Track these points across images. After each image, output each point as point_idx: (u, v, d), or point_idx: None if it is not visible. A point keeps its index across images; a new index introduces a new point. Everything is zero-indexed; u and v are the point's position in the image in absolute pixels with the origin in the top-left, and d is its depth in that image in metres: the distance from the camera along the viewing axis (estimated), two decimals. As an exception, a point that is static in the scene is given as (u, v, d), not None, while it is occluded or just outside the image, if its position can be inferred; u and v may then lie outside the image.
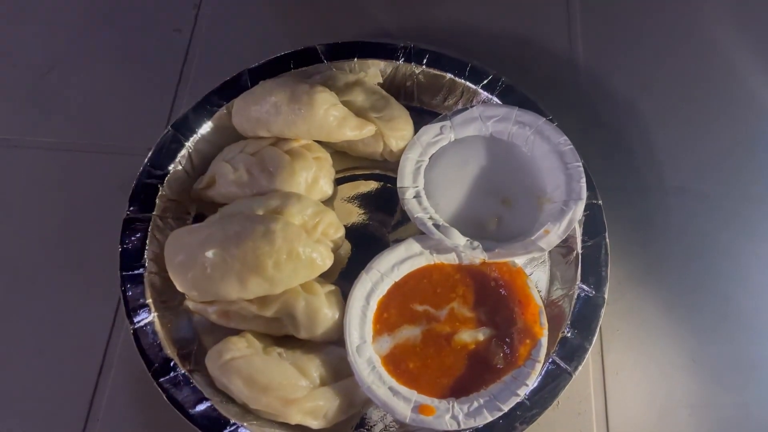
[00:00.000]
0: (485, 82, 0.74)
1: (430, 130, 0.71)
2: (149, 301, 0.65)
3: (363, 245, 0.71)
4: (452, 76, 0.74)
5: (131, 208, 0.68)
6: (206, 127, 0.73)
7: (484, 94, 0.74)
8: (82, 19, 0.90)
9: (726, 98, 0.83)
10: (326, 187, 0.70)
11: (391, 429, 0.63)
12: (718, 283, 0.72)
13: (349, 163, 0.76)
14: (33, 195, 0.78)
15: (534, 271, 0.70)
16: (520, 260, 0.67)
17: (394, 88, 0.77)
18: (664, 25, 0.88)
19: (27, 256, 0.74)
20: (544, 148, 0.69)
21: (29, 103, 0.84)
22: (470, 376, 0.61)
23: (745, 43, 0.86)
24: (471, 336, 0.63)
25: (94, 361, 0.68)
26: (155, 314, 0.64)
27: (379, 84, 0.76)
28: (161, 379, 0.61)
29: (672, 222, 0.75)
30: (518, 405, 0.59)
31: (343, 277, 0.69)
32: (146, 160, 0.70)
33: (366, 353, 0.61)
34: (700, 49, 0.86)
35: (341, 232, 0.68)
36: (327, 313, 0.63)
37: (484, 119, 0.71)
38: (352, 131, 0.69)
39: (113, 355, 0.69)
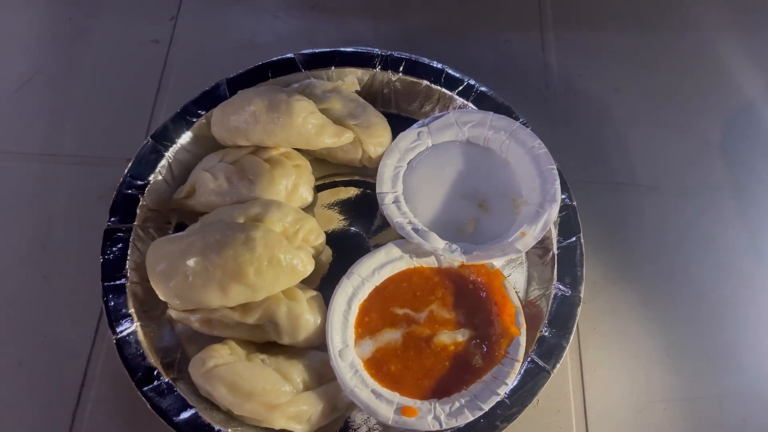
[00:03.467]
0: (460, 88, 0.75)
1: (408, 136, 0.72)
2: (131, 310, 0.65)
3: (344, 251, 0.72)
4: (428, 83, 0.76)
5: (112, 219, 0.68)
6: (186, 137, 0.74)
7: (460, 100, 0.75)
8: (59, 29, 0.90)
9: (696, 98, 0.85)
10: (306, 194, 0.71)
11: (375, 431, 0.64)
12: (691, 279, 0.74)
13: (329, 170, 0.76)
14: (12, 205, 0.77)
15: (512, 272, 0.71)
16: (498, 262, 0.68)
17: (372, 95, 0.78)
18: (635, 28, 0.90)
19: (7, 267, 0.74)
20: (519, 152, 0.70)
21: (7, 114, 0.83)
22: (451, 376, 0.62)
23: (715, 44, 0.88)
24: (450, 337, 0.64)
25: (77, 372, 0.68)
26: (138, 324, 0.65)
27: (356, 92, 0.76)
28: (145, 388, 0.61)
29: (645, 221, 0.77)
30: (499, 404, 0.60)
31: (325, 282, 0.70)
32: (126, 170, 0.71)
33: (348, 357, 0.62)
34: (670, 50, 0.88)
35: (322, 239, 0.68)
36: (309, 319, 0.63)
37: (460, 125, 0.72)
38: (331, 138, 0.70)
39: (96, 365, 0.69)
